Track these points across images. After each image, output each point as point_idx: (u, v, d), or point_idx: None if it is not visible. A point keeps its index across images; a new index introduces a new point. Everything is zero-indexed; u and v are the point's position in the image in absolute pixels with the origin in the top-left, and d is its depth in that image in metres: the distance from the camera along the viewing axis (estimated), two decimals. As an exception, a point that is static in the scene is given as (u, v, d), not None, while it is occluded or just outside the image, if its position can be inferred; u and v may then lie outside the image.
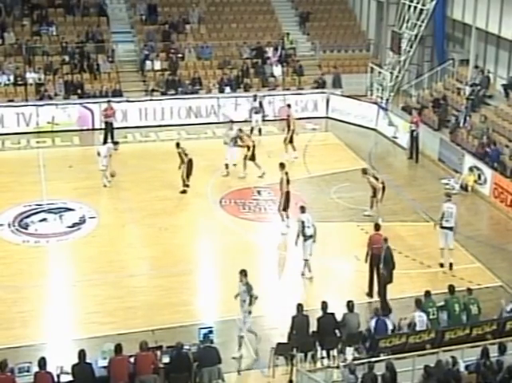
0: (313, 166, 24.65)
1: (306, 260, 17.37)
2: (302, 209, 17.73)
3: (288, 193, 19.74)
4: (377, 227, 17.08)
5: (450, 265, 18.03)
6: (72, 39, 30.74)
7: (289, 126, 25.06)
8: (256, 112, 27.29)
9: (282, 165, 20.29)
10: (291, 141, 25.03)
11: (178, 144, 22.28)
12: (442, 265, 18.06)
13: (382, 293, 16.22)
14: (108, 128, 26.29)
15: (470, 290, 15.09)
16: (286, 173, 19.84)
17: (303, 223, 17.34)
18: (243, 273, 14.60)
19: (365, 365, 12.21)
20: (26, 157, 25.31)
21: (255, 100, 27.41)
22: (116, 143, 24.76)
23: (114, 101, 27.18)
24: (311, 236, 17.31)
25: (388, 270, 16.10)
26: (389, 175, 23.15)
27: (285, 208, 19.77)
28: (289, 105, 26.42)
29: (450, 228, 18.07)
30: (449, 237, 18.15)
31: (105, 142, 25.31)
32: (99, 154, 22.54)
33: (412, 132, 25.55)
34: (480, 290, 16.51)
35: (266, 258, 18.75)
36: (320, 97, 30.06)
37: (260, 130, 27.27)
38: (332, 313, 14.17)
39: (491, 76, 27.27)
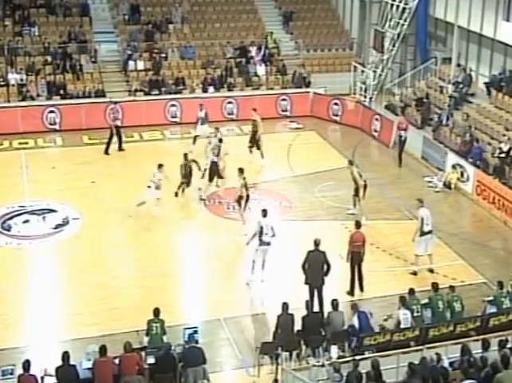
0: (297, 165, 24.68)
1: (253, 261, 17.09)
2: (264, 213, 17.23)
3: (247, 197, 19.65)
4: (358, 224, 17.06)
5: (431, 270, 17.91)
6: (55, 39, 30.57)
7: (255, 131, 24.27)
8: (202, 123, 25.30)
9: (241, 170, 19.78)
10: (258, 147, 24.21)
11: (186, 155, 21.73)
12: (415, 273, 17.77)
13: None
14: (119, 133, 25.56)
15: (452, 288, 15.21)
16: (244, 178, 19.53)
17: (261, 228, 16.93)
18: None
19: (350, 363, 12.25)
20: (8, 158, 25.14)
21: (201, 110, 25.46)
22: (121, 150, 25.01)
23: (118, 102, 26.87)
24: (268, 243, 17.00)
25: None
26: (373, 174, 23.23)
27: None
28: (254, 109, 25.20)
29: (430, 231, 17.91)
30: (429, 242, 17.91)
31: (120, 146, 25.31)
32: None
33: (400, 137, 25.21)
34: (463, 287, 16.61)
35: (250, 258, 18.73)
36: (304, 96, 30.16)
37: (194, 139, 25.39)
38: (317, 312, 14.19)
39: (473, 75, 27.44)
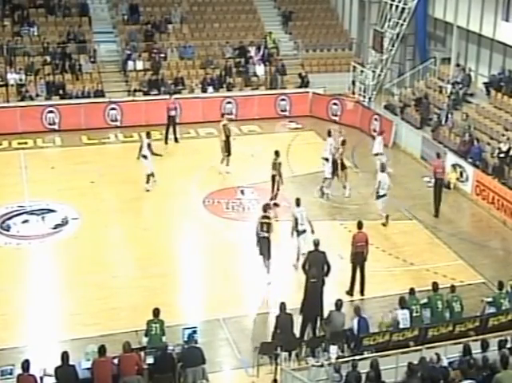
0: (296, 165, 24.67)
1: (298, 248, 17.61)
2: (297, 202, 17.83)
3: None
4: (360, 225, 17.09)
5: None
6: (54, 39, 30.57)
7: (227, 137, 23.75)
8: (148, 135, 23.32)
9: (277, 153, 20.76)
10: (229, 154, 23.70)
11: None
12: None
13: None
14: (171, 123, 26.38)
15: (453, 288, 15.18)
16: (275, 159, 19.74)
17: (296, 219, 17.55)
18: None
19: (349, 363, 12.24)
20: (7, 158, 25.13)
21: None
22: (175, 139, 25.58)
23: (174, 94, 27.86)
24: (304, 231, 17.53)
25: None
26: (372, 174, 23.20)
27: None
28: (223, 115, 25.11)
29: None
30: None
31: (166, 138, 25.78)
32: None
33: (436, 182, 21.57)
34: (463, 287, 16.60)
35: (249, 258, 18.73)
36: (303, 96, 30.17)
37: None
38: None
39: (473, 75, 27.45)
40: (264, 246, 17.16)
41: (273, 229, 17.21)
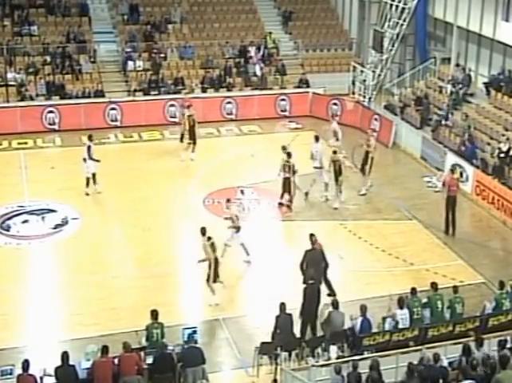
0: (297, 165, 24.56)
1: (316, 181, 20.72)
2: (316, 139, 20.43)
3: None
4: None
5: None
6: (54, 39, 30.57)
7: (192, 126, 24.75)
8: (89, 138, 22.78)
9: (289, 154, 20.96)
10: (194, 142, 24.75)
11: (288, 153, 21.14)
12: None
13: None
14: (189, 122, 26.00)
15: (456, 289, 15.11)
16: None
17: (312, 153, 21.35)
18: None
19: (349, 363, 12.23)
20: (7, 158, 25.13)
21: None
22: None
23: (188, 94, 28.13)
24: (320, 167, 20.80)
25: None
26: (372, 174, 23.20)
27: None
28: (189, 106, 25.67)
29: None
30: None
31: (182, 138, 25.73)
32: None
33: (449, 198, 20.20)
34: (463, 287, 16.56)
35: (249, 258, 18.76)
36: (303, 96, 30.18)
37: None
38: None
39: (473, 75, 27.45)
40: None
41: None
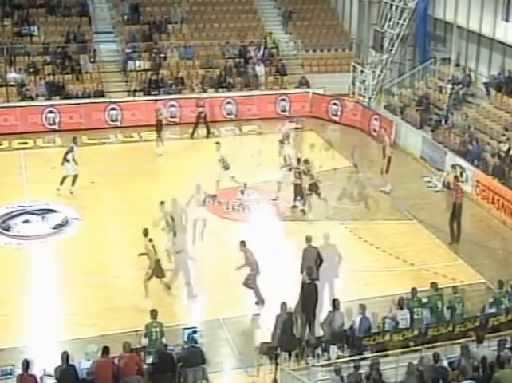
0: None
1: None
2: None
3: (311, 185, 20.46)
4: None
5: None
6: (54, 39, 30.60)
7: (159, 120, 25.74)
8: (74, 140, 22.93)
9: (306, 161, 20.80)
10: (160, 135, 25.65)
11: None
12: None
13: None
14: (205, 119, 27.44)
15: (455, 289, 15.13)
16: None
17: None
18: None
19: (350, 364, 12.23)
20: (8, 158, 25.12)
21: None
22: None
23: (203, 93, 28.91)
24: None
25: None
26: (372, 174, 23.26)
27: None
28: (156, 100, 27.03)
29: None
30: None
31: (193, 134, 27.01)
32: None
33: (455, 206, 19.61)
34: (463, 287, 16.59)
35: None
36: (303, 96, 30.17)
37: None
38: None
39: (473, 75, 27.45)
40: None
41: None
